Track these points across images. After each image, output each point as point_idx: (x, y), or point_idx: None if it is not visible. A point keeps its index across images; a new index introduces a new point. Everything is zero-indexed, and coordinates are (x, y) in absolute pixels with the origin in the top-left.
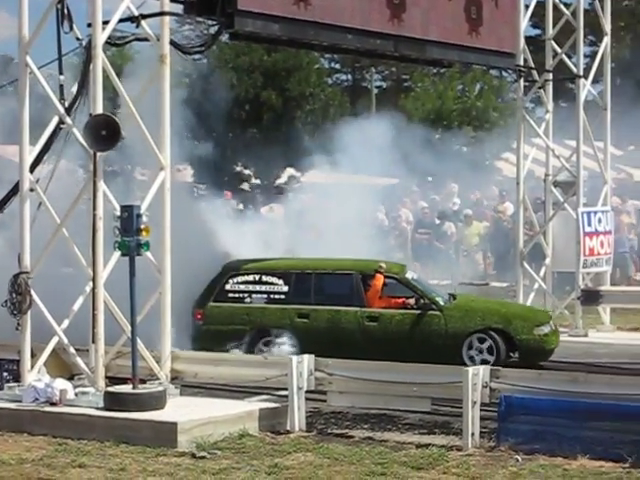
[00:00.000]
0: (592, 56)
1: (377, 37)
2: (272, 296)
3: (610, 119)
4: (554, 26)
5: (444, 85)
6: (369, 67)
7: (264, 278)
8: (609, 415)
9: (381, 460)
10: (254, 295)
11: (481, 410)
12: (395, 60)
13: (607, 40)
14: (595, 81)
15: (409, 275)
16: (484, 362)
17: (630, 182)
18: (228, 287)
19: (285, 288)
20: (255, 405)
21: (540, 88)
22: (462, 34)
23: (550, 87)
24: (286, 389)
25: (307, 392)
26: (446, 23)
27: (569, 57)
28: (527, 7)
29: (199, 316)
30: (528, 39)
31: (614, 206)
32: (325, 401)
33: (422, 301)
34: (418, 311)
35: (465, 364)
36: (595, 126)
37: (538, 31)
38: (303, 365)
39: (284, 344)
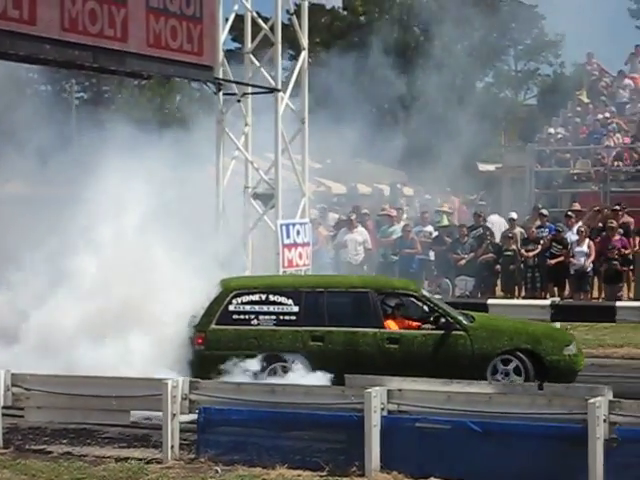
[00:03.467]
0: (292, 70)
1: (75, 48)
2: (282, 317)
3: (309, 132)
4: (253, 40)
5: (143, 96)
6: (69, 78)
7: (272, 297)
8: (306, 424)
9: (80, 475)
10: (261, 316)
11: (182, 423)
12: (94, 71)
13: (304, 55)
14: (295, 95)
15: (426, 292)
16: None
17: (329, 195)
18: (232, 308)
19: (295, 308)
20: None
21: (239, 101)
22: (162, 46)
23: (249, 100)
24: None
25: (4, 408)
26: (145, 35)
27: (268, 71)
28: (227, 20)
29: (200, 340)
30: (229, 52)
31: (313, 218)
32: (23, 417)
33: (443, 320)
34: (441, 331)
35: None
36: (294, 139)
37: (239, 44)
38: None
39: (297, 370)
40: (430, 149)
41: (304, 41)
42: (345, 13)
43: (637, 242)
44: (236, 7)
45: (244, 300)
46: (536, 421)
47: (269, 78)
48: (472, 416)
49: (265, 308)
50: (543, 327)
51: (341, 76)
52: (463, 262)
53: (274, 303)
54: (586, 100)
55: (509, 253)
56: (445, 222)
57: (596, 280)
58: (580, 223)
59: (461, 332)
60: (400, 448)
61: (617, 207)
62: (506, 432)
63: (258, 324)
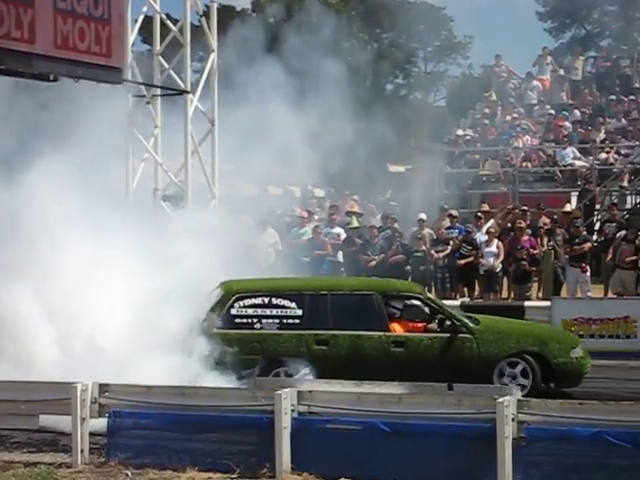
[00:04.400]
0: (202, 72)
1: None
2: (285, 321)
3: (219, 134)
4: (162, 42)
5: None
6: None
7: (274, 301)
8: (216, 427)
9: None
10: (264, 320)
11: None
12: (1, 74)
13: (214, 56)
14: (205, 96)
15: (430, 295)
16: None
17: (241, 197)
18: (234, 312)
19: (299, 312)
20: None
21: (148, 103)
22: (69, 48)
23: (159, 102)
24: None
25: None
26: (53, 36)
27: (178, 72)
28: (136, 21)
29: None
30: (139, 54)
31: None
32: None
33: (448, 323)
34: (447, 335)
35: None
36: (205, 141)
37: (149, 46)
38: None
39: (302, 374)
40: (340, 150)
41: (213, 43)
42: (254, 15)
43: (545, 242)
44: (145, 8)
45: (246, 303)
46: (446, 421)
47: (178, 80)
48: (382, 417)
49: (268, 311)
50: (549, 329)
51: (250, 78)
52: (373, 263)
53: (277, 306)
54: (494, 100)
55: (419, 254)
56: (355, 224)
57: (505, 280)
58: (490, 223)
59: (467, 335)
60: (311, 449)
61: (525, 207)
62: (416, 432)
63: (261, 328)
